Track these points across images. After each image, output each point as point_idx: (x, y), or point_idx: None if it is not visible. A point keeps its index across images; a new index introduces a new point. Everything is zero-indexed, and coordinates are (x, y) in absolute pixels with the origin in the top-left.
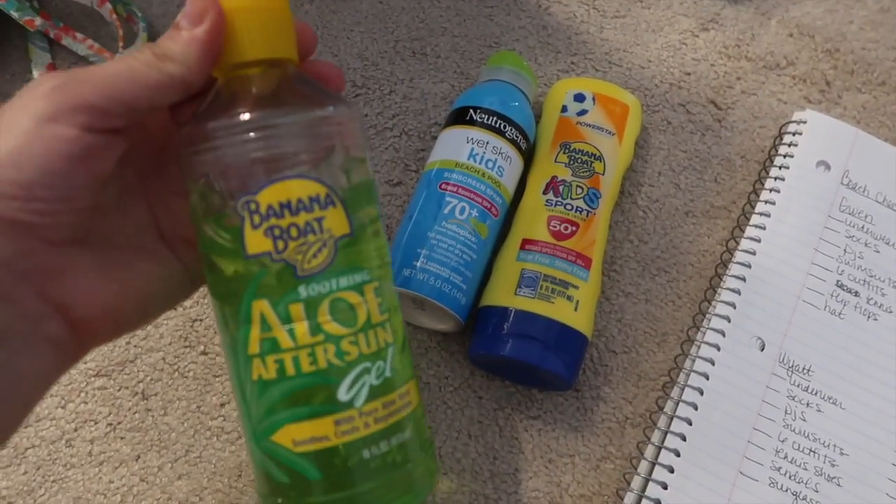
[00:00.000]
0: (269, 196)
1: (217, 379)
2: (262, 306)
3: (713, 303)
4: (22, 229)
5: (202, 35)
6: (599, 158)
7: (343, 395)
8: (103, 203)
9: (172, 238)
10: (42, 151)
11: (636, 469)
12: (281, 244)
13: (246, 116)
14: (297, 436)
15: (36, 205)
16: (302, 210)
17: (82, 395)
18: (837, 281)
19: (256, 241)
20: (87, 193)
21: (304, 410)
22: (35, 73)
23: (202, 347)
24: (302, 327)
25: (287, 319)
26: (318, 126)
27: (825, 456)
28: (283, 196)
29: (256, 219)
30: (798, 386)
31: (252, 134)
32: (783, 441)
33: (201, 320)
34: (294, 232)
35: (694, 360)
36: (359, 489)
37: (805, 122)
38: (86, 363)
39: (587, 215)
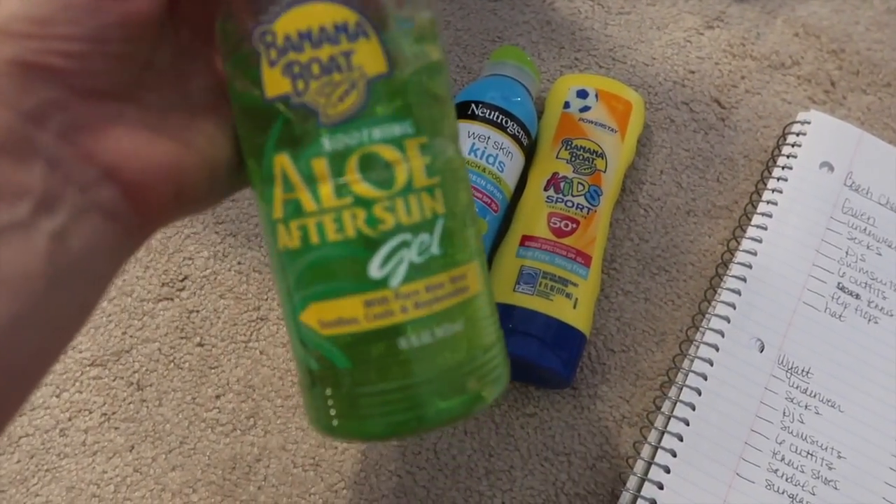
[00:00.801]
0: (287, 24)
1: (213, 371)
2: (283, 161)
3: (713, 303)
4: (46, 75)
5: None
6: (601, 155)
7: (375, 271)
8: (157, 63)
9: None
10: None
11: (632, 468)
12: (301, 84)
13: None
14: (323, 316)
15: (60, 45)
16: (325, 41)
17: (77, 384)
18: (838, 283)
19: (274, 82)
20: (120, 35)
21: (330, 287)
22: None
23: (198, 339)
24: (326, 187)
25: (310, 178)
26: None
27: (822, 459)
28: (303, 23)
29: (273, 53)
30: (797, 388)
31: None
32: (780, 443)
33: (198, 311)
34: (316, 69)
35: (692, 361)
36: (394, 384)
37: (809, 123)
38: (81, 352)
39: (588, 213)
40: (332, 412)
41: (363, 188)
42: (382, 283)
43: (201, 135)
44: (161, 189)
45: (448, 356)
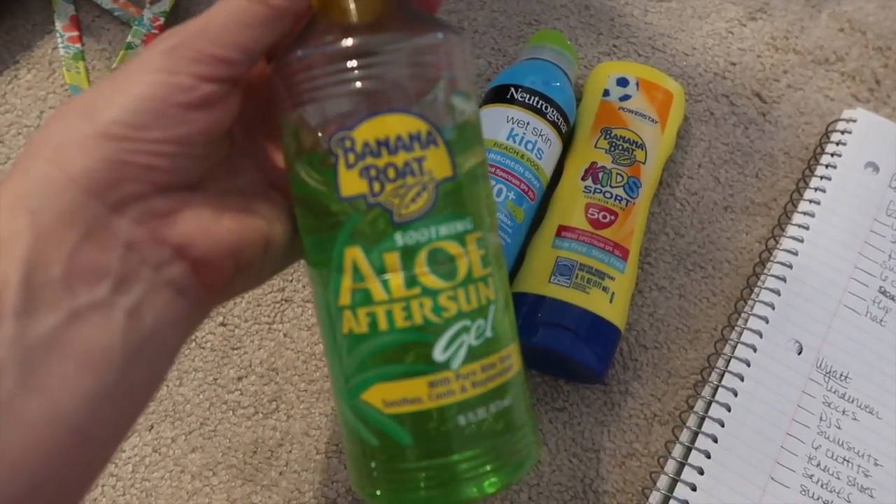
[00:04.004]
0: (366, 132)
1: (235, 352)
2: (354, 254)
3: (751, 302)
4: (134, 172)
5: None
6: (641, 146)
7: (439, 354)
8: (217, 157)
9: (285, 189)
10: (159, 97)
11: (663, 468)
12: (377, 186)
13: (344, 43)
14: (387, 396)
15: (150, 147)
16: (401, 149)
17: None
18: (881, 287)
19: (351, 183)
20: (203, 140)
21: (396, 369)
22: (58, 25)
23: (221, 318)
24: (397, 279)
25: (381, 269)
26: (424, 55)
27: (859, 466)
28: (382, 133)
29: (351, 157)
30: (835, 392)
31: (350, 62)
32: (817, 448)
33: None
34: (391, 173)
35: (729, 360)
36: (453, 458)
37: (855, 122)
38: None
39: (626, 205)
40: (379, 482)
41: (430, 280)
42: (445, 365)
43: (257, 216)
44: (223, 265)
45: (497, 430)
